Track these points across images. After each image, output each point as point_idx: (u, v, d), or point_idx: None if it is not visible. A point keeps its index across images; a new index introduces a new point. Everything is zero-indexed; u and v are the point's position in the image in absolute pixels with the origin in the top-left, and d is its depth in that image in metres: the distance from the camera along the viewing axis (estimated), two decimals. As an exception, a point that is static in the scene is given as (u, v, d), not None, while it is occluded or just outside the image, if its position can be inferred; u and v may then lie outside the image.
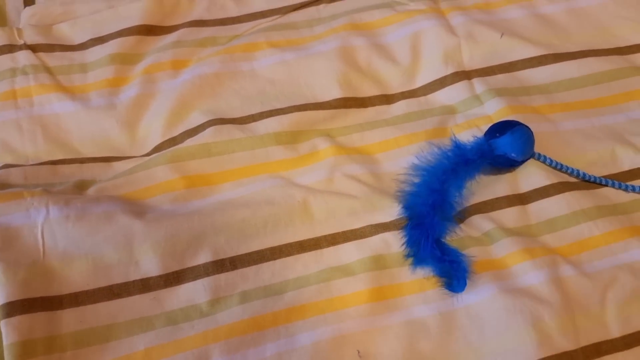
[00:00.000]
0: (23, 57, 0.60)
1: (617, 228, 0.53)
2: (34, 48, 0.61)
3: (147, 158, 0.55)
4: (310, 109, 0.59)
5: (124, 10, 0.65)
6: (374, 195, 0.54)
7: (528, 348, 0.46)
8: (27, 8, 0.66)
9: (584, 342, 0.47)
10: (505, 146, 0.54)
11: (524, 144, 0.55)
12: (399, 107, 0.61)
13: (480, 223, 0.53)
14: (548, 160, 0.56)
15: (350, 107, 0.60)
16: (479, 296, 0.49)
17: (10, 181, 0.51)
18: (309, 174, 0.55)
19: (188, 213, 0.51)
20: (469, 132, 0.59)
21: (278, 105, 0.59)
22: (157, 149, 0.56)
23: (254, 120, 0.58)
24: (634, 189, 0.56)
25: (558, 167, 0.56)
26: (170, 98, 0.58)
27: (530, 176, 0.56)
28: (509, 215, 0.54)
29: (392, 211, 0.53)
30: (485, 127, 0.59)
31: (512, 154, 0.54)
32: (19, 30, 0.63)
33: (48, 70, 0.60)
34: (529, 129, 0.56)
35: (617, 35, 0.68)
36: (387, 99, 0.62)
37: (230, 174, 0.54)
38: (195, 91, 0.59)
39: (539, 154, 0.57)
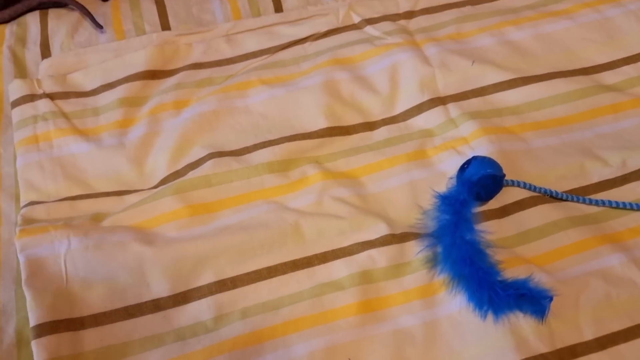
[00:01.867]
0: (43, 105, 0.67)
1: (588, 237, 0.58)
2: (51, 96, 0.68)
3: (154, 190, 0.61)
4: (299, 139, 0.65)
5: (130, 58, 0.71)
6: (360, 215, 0.59)
7: (506, 352, 0.50)
8: (45, 60, 0.73)
9: (560, 345, 0.51)
10: (479, 168, 0.59)
11: (491, 161, 0.60)
12: (381, 133, 0.67)
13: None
14: (521, 184, 0.61)
15: (335, 135, 0.66)
16: (460, 305, 0.54)
17: (35, 216, 0.57)
18: (299, 198, 0.61)
19: (192, 238, 0.56)
20: (446, 153, 0.65)
21: (270, 137, 0.65)
22: (163, 181, 0.62)
23: (249, 152, 0.64)
24: (604, 204, 0.60)
25: (531, 189, 0.61)
26: (173, 135, 0.65)
27: (505, 192, 0.61)
28: (487, 229, 0.58)
29: (377, 229, 0.58)
30: (461, 148, 0.65)
31: (488, 170, 0.59)
32: (38, 80, 0.70)
33: (65, 115, 0.67)
34: (484, 156, 0.60)
35: (582, 56, 0.73)
36: (370, 126, 0.68)
37: (229, 201, 0.60)
38: (195, 128, 0.65)
39: (512, 180, 0.61)
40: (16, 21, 0.79)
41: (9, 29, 0.78)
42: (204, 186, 0.60)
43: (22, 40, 0.77)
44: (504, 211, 0.60)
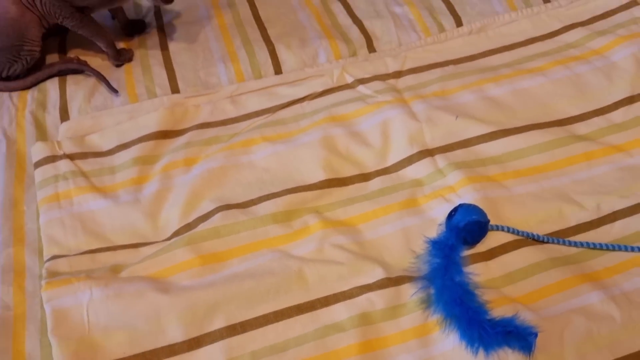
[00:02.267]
0: (63, 165, 0.73)
1: (569, 276, 0.62)
2: (71, 156, 0.74)
3: (167, 242, 0.66)
4: (300, 191, 0.71)
5: (143, 120, 0.78)
6: (358, 261, 0.64)
7: (497, 385, 0.54)
8: (64, 123, 0.79)
9: (546, 379, 0.55)
10: (465, 214, 0.65)
11: (476, 208, 0.65)
12: (375, 184, 0.73)
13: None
14: (505, 229, 0.67)
15: (333, 186, 0.72)
16: (454, 343, 0.58)
17: (59, 269, 0.62)
18: (302, 247, 0.66)
19: (204, 286, 0.61)
20: (435, 201, 0.70)
21: (273, 190, 0.71)
22: (176, 233, 0.68)
23: (254, 204, 0.69)
24: (582, 245, 0.66)
25: (514, 232, 0.66)
26: (184, 191, 0.70)
27: (491, 236, 0.66)
28: (474, 271, 0.63)
29: (374, 273, 0.62)
30: (449, 196, 0.70)
31: (473, 217, 0.65)
32: (58, 142, 0.76)
33: (83, 174, 0.72)
34: (470, 204, 0.66)
35: (556, 109, 0.80)
36: (365, 177, 0.74)
37: (237, 250, 0.65)
38: (204, 183, 0.71)
39: (496, 225, 0.67)
40: (37, 87, 0.86)
41: (30, 95, 0.85)
42: (214, 237, 0.65)
43: (42, 105, 0.83)
44: (490, 254, 0.65)
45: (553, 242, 0.66)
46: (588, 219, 0.68)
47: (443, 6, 0.96)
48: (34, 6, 0.81)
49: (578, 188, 0.71)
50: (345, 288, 0.62)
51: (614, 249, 0.65)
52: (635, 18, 0.89)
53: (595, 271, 0.64)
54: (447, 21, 0.94)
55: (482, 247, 0.66)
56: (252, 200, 0.70)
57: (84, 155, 0.75)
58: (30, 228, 0.69)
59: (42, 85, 0.86)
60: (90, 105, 0.83)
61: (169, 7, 0.95)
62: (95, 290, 0.58)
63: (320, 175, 0.72)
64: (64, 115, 0.82)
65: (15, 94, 0.85)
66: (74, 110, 0.83)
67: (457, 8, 0.95)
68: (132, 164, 0.73)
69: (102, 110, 0.82)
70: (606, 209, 0.69)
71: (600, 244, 0.66)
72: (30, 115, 0.82)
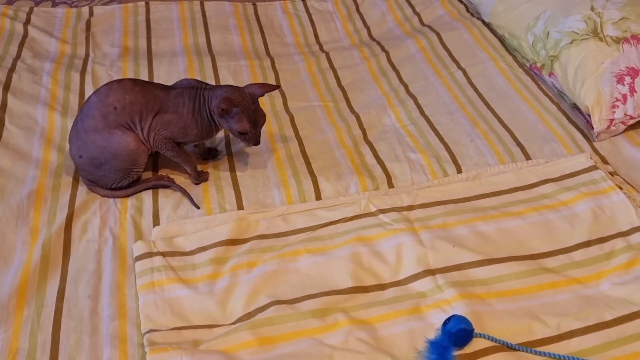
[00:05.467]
0: (157, 260, 0.97)
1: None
2: (163, 254, 0.98)
3: (233, 326, 0.88)
4: (333, 294, 0.94)
5: (217, 229, 1.02)
6: (374, 352, 0.85)
7: None
8: (156, 227, 1.04)
9: None
10: (456, 323, 0.86)
11: (465, 319, 0.87)
12: (389, 293, 0.95)
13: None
14: (486, 336, 0.87)
15: (358, 292, 0.95)
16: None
17: (155, 340, 0.84)
18: (333, 337, 0.87)
19: (259, 362, 0.82)
20: (434, 310, 0.92)
21: (313, 292, 0.94)
22: (239, 320, 0.90)
23: (299, 302, 0.92)
24: (546, 355, 0.85)
25: (493, 340, 0.87)
26: (247, 287, 0.93)
27: (475, 341, 0.87)
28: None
29: (386, 363, 0.84)
30: (445, 307, 0.92)
31: (462, 325, 0.87)
32: (154, 242, 1.00)
33: (172, 268, 0.96)
34: (460, 315, 0.87)
35: (530, 246, 1.03)
36: (381, 287, 0.96)
37: (285, 336, 0.86)
38: (262, 282, 0.94)
39: (479, 333, 0.87)
40: (135, 196, 1.12)
41: (130, 202, 1.11)
42: (268, 325, 0.87)
43: (139, 210, 1.09)
44: (474, 356, 0.86)
45: (524, 351, 0.87)
46: (550, 335, 0.89)
47: (447, 156, 1.23)
48: (147, 142, 1.10)
49: (544, 309, 0.92)
50: (364, 373, 0.83)
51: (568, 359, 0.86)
52: (594, 179, 1.13)
53: (555, 375, 0.84)
54: (450, 168, 1.20)
55: (468, 349, 0.86)
56: (296, 298, 0.92)
57: (172, 254, 0.99)
58: (131, 307, 0.91)
59: (139, 195, 1.12)
60: (176, 214, 1.08)
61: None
62: (184, 356, 0.80)
63: (348, 283, 0.95)
64: (156, 221, 1.07)
65: (118, 201, 1.11)
66: (163, 217, 1.08)
67: (458, 158, 1.22)
68: (208, 263, 0.97)
69: (185, 218, 1.07)
70: (565, 328, 0.89)
71: (560, 355, 0.86)
72: (130, 218, 1.07)
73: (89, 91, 1.33)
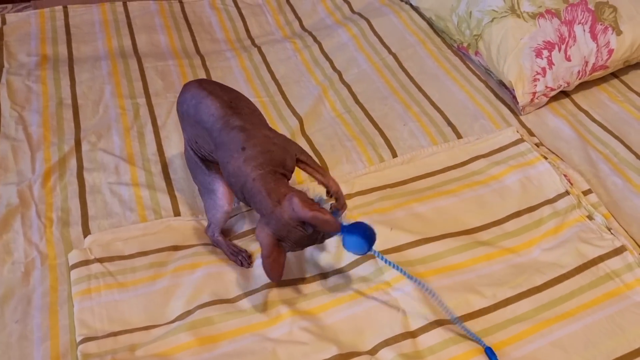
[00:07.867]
0: (94, 268, 0.93)
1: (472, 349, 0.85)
2: (100, 260, 0.95)
3: (173, 325, 0.86)
4: (275, 287, 0.94)
5: (159, 236, 1.00)
6: (318, 341, 0.85)
7: None
8: (89, 236, 1.00)
9: None
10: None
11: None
12: (332, 281, 0.96)
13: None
14: (380, 257, 0.86)
15: (299, 284, 0.95)
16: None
17: (89, 351, 0.81)
18: (277, 330, 0.87)
19: (201, 363, 0.81)
20: (377, 293, 0.93)
21: (255, 287, 0.93)
22: (178, 318, 0.87)
23: (240, 299, 0.91)
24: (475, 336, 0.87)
25: (391, 265, 0.87)
26: (189, 287, 0.91)
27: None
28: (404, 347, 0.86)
29: (331, 351, 0.84)
30: (387, 290, 0.93)
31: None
32: (90, 249, 0.96)
33: (110, 274, 0.93)
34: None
35: (465, 222, 1.06)
36: (324, 276, 0.96)
37: (226, 334, 0.86)
38: (205, 282, 0.92)
39: (375, 251, 0.85)
40: (60, 207, 1.05)
41: (55, 214, 1.03)
42: (209, 324, 0.87)
43: (66, 223, 1.03)
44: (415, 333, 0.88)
45: (415, 282, 0.88)
46: (487, 305, 0.92)
47: (382, 142, 1.24)
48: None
49: (480, 281, 0.95)
50: (308, 363, 0.83)
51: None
52: (521, 152, 1.18)
53: (493, 344, 0.87)
54: (386, 153, 1.21)
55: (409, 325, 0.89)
56: (238, 296, 0.92)
57: (110, 259, 0.95)
58: (64, 324, 0.87)
59: (64, 205, 1.05)
60: (107, 222, 1.03)
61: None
62: (119, 368, 0.78)
63: (290, 275, 0.95)
64: (86, 230, 1.01)
65: (42, 214, 1.03)
66: (94, 226, 1.02)
67: (393, 143, 1.23)
68: (149, 266, 0.95)
69: (117, 227, 1.02)
70: (501, 297, 0.93)
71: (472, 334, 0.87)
72: (57, 232, 1.01)
73: (4, 104, 1.27)
